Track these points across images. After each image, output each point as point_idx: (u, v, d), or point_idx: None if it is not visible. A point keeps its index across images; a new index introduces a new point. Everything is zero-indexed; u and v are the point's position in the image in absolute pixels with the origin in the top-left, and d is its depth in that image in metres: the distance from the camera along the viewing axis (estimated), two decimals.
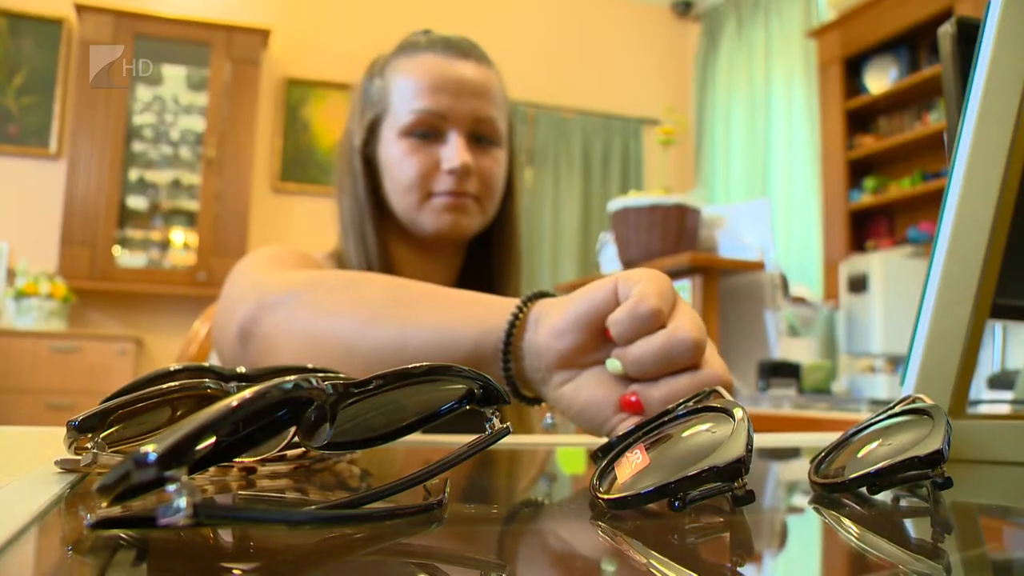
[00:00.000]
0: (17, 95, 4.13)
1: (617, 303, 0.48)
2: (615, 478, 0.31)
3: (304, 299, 0.64)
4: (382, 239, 0.92)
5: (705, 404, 0.33)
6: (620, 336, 0.47)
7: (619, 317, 0.46)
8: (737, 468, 0.26)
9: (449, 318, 0.55)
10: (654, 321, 0.45)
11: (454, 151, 0.87)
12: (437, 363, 0.28)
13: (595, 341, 0.49)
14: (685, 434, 0.31)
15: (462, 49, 0.90)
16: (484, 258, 0.98)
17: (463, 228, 0.90)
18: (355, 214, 0.91)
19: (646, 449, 0.31)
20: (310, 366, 0.44)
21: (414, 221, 0.90)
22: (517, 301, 0.53)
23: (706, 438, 0.30)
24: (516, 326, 0.52)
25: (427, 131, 0.88)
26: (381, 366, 0.37)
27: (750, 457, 0.27)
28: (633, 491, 0.28)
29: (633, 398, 0.47)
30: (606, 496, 0.29)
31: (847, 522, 0.30)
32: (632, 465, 0.30)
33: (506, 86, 0.94)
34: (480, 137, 0.90)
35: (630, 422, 0.47)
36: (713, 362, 0.47)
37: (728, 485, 0.26)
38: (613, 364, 0.48)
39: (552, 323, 0.50)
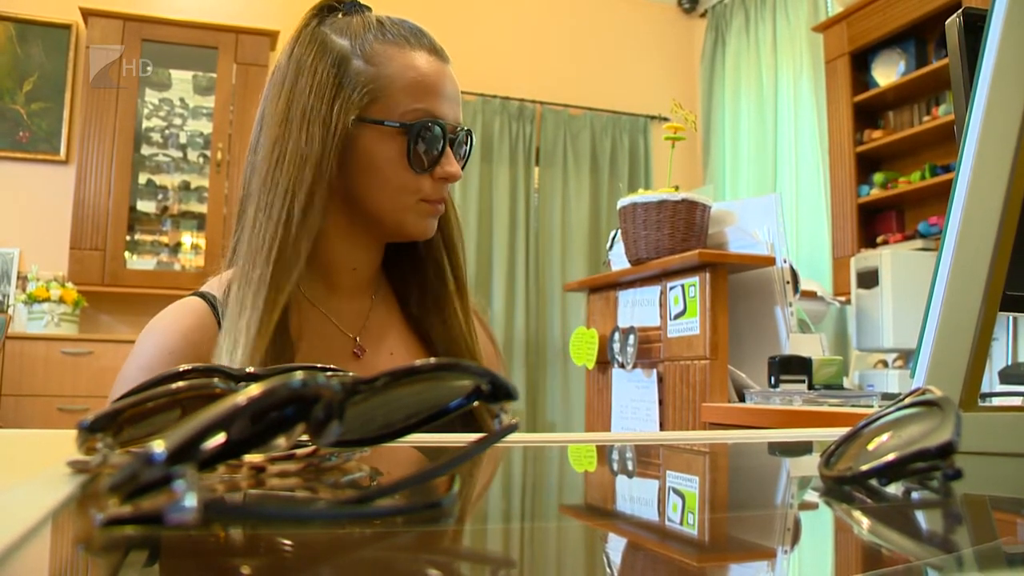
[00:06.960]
0: (27, 101, 4.15)
1: None
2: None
3: None
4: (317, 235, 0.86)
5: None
6: None
7: None
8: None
9: None
10: None
11: (450, 160, 0.87)
12: (444, 360, 0.28)
13: None
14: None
15: (444, 53, 0.90)
16: (410, 246, 0.95)
17: (432, 231, 0.90)
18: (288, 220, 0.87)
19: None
20: (319, 364, 0.44)
21: (398, 221, 0.87)
22: None
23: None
24: None
25: None
26: None
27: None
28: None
29: None
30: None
31: (857, 514, 0.30)
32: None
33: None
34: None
35: None
36: None
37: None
38: None
39: None
